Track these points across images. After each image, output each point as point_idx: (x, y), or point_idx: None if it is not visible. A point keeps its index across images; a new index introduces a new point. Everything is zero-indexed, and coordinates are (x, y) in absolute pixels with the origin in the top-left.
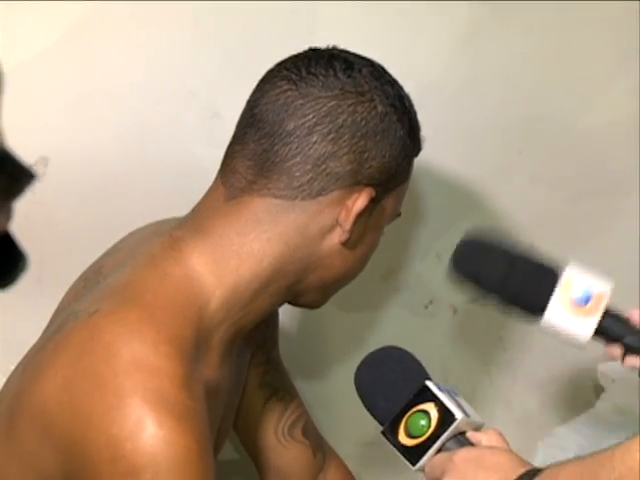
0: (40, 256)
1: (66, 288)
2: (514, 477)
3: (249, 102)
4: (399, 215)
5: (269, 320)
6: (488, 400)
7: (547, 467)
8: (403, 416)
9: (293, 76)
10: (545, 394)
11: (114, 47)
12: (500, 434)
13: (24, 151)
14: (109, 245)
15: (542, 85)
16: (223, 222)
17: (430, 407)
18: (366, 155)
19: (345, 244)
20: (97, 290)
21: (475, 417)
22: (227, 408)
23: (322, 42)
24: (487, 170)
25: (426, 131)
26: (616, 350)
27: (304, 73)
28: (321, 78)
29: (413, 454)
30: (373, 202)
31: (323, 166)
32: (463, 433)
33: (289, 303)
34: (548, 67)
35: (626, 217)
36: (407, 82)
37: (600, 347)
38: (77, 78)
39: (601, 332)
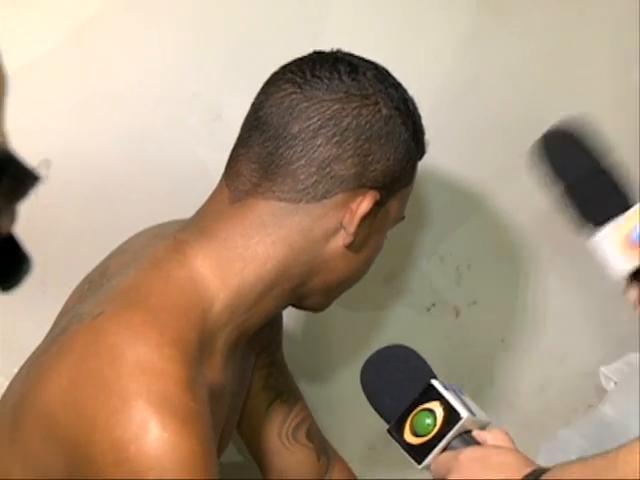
0: (43, 259)
1: (69, 290)
2: (519, 477)
3: (254, 105)
4: (403, 218)
5: (273, 322)
6: (490, 402)
7: (552, 467)
8: (409, 415)
9: (298, 79)
10: (547, 396)
11: (116, 50)
12: (506, 433)
13: (27, 153)
14: (112, 248)
15: (544, 87)
16: (227, 225)
17: (436, 406)
18: (370, 158)
19: (349, 247)
20: (101, 292)
21: (481, 416)
22: (231, 410)
23: (326, 45)
24: (489, 172)
25: (428, 133)
26: None
27: (309, 76)
28: (326, 81)
29: (419, 452)
30: (377, 205)
31: (327, 169)
32: (469, 432)
33: (293, 306)
34: (550, 69)
35: None
36: (410, 85)
37: (601, 349)
38: (80, 81)
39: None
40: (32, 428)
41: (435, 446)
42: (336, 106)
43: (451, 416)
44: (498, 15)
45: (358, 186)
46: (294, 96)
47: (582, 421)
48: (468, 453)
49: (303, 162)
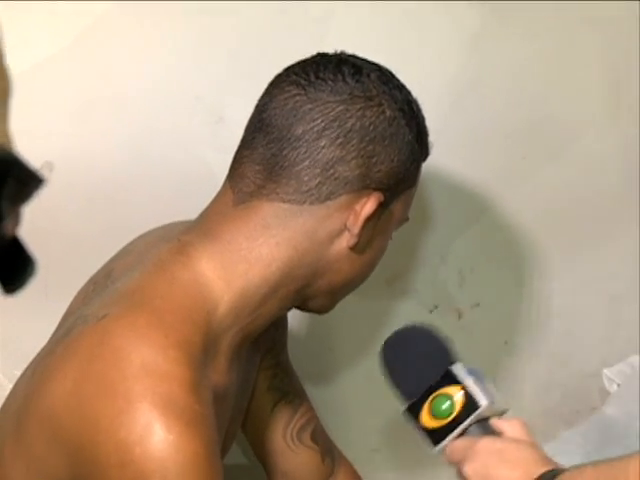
0: (45, 261)
1: (71, 293)
2: (535, 475)
3: (257, 107)
4: (407, 220)
5: (278, 323)
6: None
7: (567, 469)
8: (427, 397)
9: (302, 81)
10: (550, 398)
11: (119, 53)
12: (524, 424)
13: (29, 156)
14: (115, 250)
15: (546, 89)
16: (232, 227)
17: (455, 391)
18: (374, 159)
19: (353, 248)
20: (106, 294)
21: (500, 403)
22: (235, 412)
23: (330, 47)
24: (492, 174)
25: (431, 135)
26: None
27: (313, 78)
28: (330, 83)
29: (434, 436)
30: (381, 206)
31: (331, 170)
32: (487, 419)
33: (297, 308)
34: (552, 71)
35: (628, 220)
36: (413, 86)
37: (604, 351)
38: (83, 84)
39: None
40: (36, 430)
41: (452, 431)
42: (340, 107)
43: (470, 403)
44: (501, 17)
45: (362, 187)
46: (298, 98)
47: (585, 423)
48: (486, 444)
49: (307, 164)
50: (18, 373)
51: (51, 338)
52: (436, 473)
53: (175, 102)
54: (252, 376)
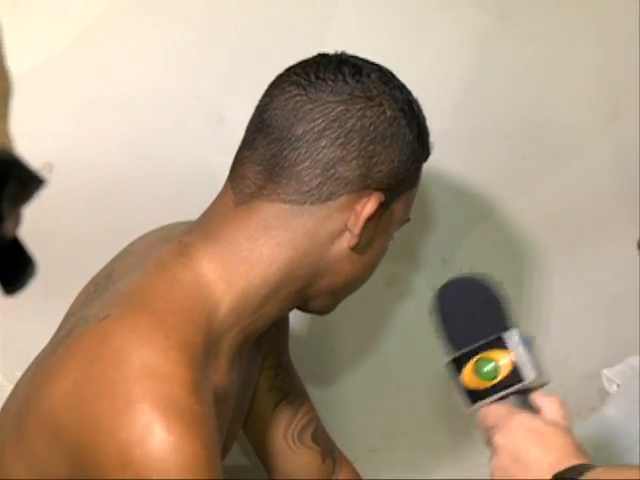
0: (46, 262)
1: (72, 294)
2: (563, 467)
3: (258, 107)
4: (408, 220)
5: (280, 323)
6: None
7: (599, 465)
8: (474, 355)
9: (302, 81)
10: None
11: (119, 54)
12: (563, 406)
13: (30, 157)
14: (115, 251)
15: (546, 90)
16: (232, 228)
17: (504, 356)
18: (375, 160)
19: (354, 249)
20: (107, 295)
21: (544, 376)
22: (236, 412)
23: (330, 47)
24: (493, 175)
25: (432, 136)
26: None
27: (313, 78)
28: (330, 83)
29: (472, 395)
30: (382, 207)
31: (332, 171)
32: (528, 390)
33: (298, 309)
34: (553, 71)
35: (628, 220)
36: (413, 87)
37: (604, 351)
38: (83, 85)
39: None
40: (37, 431)
41: (491, 395)
42: (340, 108)
43: (516, 373)
44: (501, 18)
45: (363, 188)
46: (298, 98)
47: (584, 423)
48: (523, 419)
49: (307, 164)
50: (18, 374)
51: (52, 339)
52: (436, 473)
53: (175, 102)
54: (253, 376)
